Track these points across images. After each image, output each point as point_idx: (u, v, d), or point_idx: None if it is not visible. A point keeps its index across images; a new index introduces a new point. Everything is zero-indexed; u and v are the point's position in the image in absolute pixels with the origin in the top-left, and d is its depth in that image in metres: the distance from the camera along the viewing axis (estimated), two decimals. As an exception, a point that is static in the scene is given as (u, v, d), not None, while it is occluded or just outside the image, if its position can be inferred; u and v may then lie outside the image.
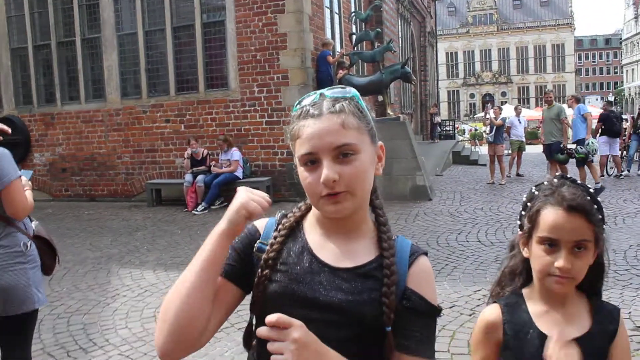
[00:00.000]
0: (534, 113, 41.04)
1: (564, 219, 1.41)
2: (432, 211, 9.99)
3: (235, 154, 11.15)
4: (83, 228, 9.67)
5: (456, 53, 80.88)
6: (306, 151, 1.21)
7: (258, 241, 1.33)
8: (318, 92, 1.29)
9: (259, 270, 1.28)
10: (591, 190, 1.46)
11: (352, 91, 1.31)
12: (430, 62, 29.40)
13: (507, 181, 14.00)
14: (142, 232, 9.09)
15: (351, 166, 1.20)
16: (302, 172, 1.24)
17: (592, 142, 12.11)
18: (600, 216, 1.43)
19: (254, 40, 11.52)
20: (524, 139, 16.38)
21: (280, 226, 1.34)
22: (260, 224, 1.37)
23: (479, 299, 5.26)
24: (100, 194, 12.99)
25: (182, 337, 1.20)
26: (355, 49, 12.58)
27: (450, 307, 5.06)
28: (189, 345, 1.22)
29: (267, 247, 1.30)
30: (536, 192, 1.52)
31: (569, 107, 13.25)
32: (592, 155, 12.07)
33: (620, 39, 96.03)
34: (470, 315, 4.85)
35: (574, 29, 79.06)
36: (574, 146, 12.23)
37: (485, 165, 18.87)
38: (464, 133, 35.33)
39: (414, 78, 13.65)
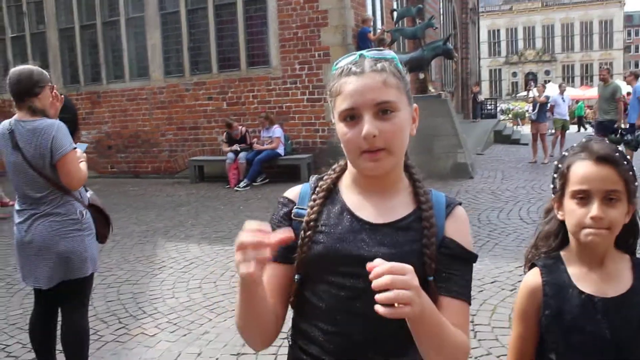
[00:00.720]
0: (578, 92, 40.12)
1: (594, 169, 1.44)
2: (474, 189, 9.92)
3: (277, 131, 11.23)
4: (129, 203, 9.92)
5: (499, 30, 79.09)
6: (348, 106, 1.24)
7: (295, 207, 1.37)
8: (357, 52, 1.32)
9: (302, 232, 1.32)
10: (620, 148, 1.49)
11: (391, 53, 1.34)
12: (472, 40, 28.87)
13: (549, 160, 13.75)
14: (185, 208, 9.28)
15: (390, 123, 1.24)
16: (341, 128, 1.27)
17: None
18: (630, 171, 1.45)
19: (295, 18, 11.52)
20: (567, 118, 16.02)
21: (317, 189, 1.38)
22: (293, 193, 1.41)
23: (520, 275, 5.21)
24: (145, 171, 13.26)
25: (265, 340, 1.34)
26: (397, 25, 12.45)
27: (492, 283, 5.05)
28: (273, 337, 1.34)
29: (307, 210, 1.34)
30: (566, 153, 1.55)
31: (628, 84, 12.83)
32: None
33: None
34: (511, 290, 4.84)
35: (624, 4, 76.36)
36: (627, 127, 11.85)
37: (527, 144, 18.57)
38: (509, 113, 34.58)
39: (456, 55, 13.47)
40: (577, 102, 36.50)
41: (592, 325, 1.43)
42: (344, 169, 1.40)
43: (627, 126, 11.83)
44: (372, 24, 12.05)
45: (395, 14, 12.71)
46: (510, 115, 33.94)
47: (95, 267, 3.09)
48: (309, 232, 1.31)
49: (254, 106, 12.07)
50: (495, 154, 16.02)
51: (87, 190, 3.17)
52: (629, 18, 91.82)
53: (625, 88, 16.17)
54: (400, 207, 1.32)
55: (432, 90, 12.35)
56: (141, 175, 13.21)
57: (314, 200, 1.35)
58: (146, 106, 13.18)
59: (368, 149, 1.23)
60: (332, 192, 1.37)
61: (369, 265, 1.04)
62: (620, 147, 1.48)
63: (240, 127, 11.59)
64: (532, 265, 1.60)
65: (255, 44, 12.15)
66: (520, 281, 4.94)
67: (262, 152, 11.13)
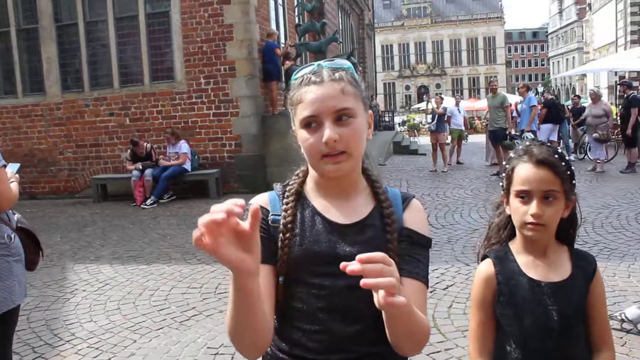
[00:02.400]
0: (468, 104, 42.09)
1: (533, 172, 1.61)
2: (382, 199, 10.14)
3: (184, 146, 11.02)
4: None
5: (392, 46, 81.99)
6: (309, 114, 1.31)
7: (270, 214, 1.40)
8: (316, 63, 1.40)
9: (281, 235, 1.37)
10: (559, 150, 1.67)
11: (347, 63, 1.42)
12: (369, 54, 29.75)
13: (449, 169, 14.38)
14: (91, 228, 8.88)
15: (349, 128, 1.31)
16: (302, 134, 1.33)
17: (527, 137, 12.38)
18: (567, 171, 1.63)
19: (199, 32, 11.40)
20: (463, 128, 16.82)
21: (287, 193, 1.43)
22: (262, 200, 1.43)
23: (437, 277, 5.45)
24: (42, 192, 12.58)
25: (261, 346, 1.29)
26: (301, 39, 12.62)
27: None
28: (268, 342, 1.30)
29: (283, 214, 1.39)
30: (512, 155, 1.72)
31: (520, 95, 13.67)
32: None
33: (547, 32, 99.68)
34: (430, 292, 5.01)
35: (504, 22, 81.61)
36: (518, 133, 12.64)
37: (425, 155, 19.34)
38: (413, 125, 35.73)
39: (360, 69, 13.80)
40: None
41: (541, 307, 1.61)
42: (306, 174, 1.45)
43: (518, 132, 12.67)
44: (277, 38, 12.12)
45: (299, 28, 12.87)
46: (406, 127, 35.09)
47: (23, 298, 2.88)
48: (287, 235, 1.36)
49: (158, 121, 11.79)
50: (397, 164, 16.54)
51: (14, 213, 2.96)
52: (509, 35, 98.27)
53: (513, 98, 17.26)
54: (362, 206, 1.41)
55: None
56: (38, 196, 12.50)
57: (287, 204, 1.40)
58: (42, 123, 12.52)
59: (329, 152, 1.30)
60: (300, 197, 1.43)
61: (342, 265, 1.04)
62: (560, 149, 1.62)
63: (145, 144, 11.26)
64: (484, 257, 1.75)
65: (159, 57, 11.90)
66: (438, 283, 5.12)
67: (168, 169, 10.87)
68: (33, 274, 6.30)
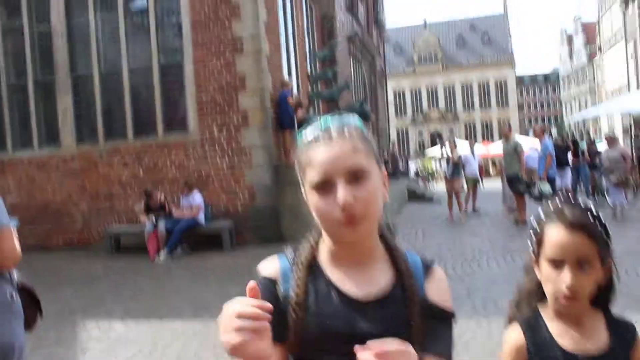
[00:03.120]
0: (482, 148, 42.08)
1: (567, 237, 1.47)
2: (399, 248, 9.99)
3: (197, 197, 10.99)
4: (40, 280, 9.22)
5: (403, 92, 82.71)
6: (320, 176, 1.22)
7: (280, 287, 1.31)
8: (321, 120, 1.31)
9: (292, 313, 1.27)
10: (594, 209, 1.52)
11: (355, 118, 1.33)
12: (381, 101, 29.97)
13: (465, 216, 14.21)
14: (104, 281, 8.79)
15: (364, 189, 1.22)
16: (314, 198, 1.24)
17: (542, 185, 12.17)
18: (604, 234, 1.50)
19: (212, 81, 11.52)
20: (478, 175, 16.69)
21: (299, 265, 1.33)
22: (271, 270, 1.35)
23: (457, 332, 5.25)
24: (55, 244, 12.53)
25: None
26: (313, 88, 12.71)
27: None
28: None
29: (295, 290, 1.29)
30: (541, 214, 1.58)
31: (536, 136, 13.57)
32: (546, 197, 12.20)
33: (558, 75, 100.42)
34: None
35: (515, 65, 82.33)
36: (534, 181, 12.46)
37: (440, 202, 19.20)
38: (429, 172, 35.70)
39: (372, 116, 13.86)
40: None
41: None
42: (318, 241, 1.35)
43: (532, 179, 12.51)
44: (291, 87, 12.23)
45: (312, 77, 12.98)
46: (420, 174, 35.05)
47: (24, 360, 2.77)
48: (300, 314, 1.26)
49: (171, 172, 11.81)
50: (412, 212, 16.40)
51: (14, 271, 2.88)
52: (520, 80, 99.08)
53: (527, 141, 17.18)
54: (380, 276, 1.31)
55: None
56: (52, 248, 12.46)
57: (299, 278, 1.30)
58: (56, 175, 12.59)
59: (344, 216, 1.20)
60: (312, 267, 1.32)
61: (356, 348, 1.04)
62: (591, 206, 1.52)
63: (159, 195, 11.26)
64: (511, 318, 1.65)
65: (172, 108, 12.02)
66: (460, 337, 4.92)
67: (181, 221, 10.82)
68: (43, 332, 6.20)
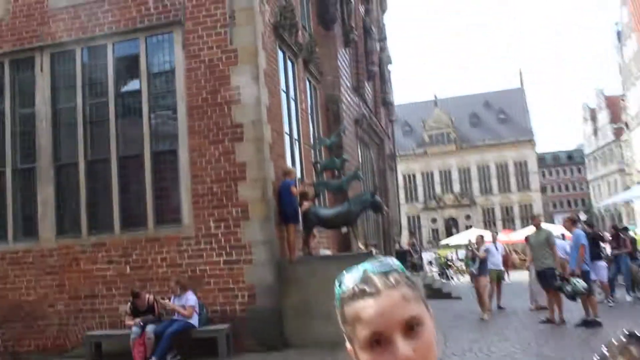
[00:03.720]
0: (501, 237, 42.02)
1: None
2: (417, 357, 9.89)
3: (191, 298, 10.97)
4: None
5: (414, 175, 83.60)
6: (373, 333, 1.25)
7: None
8: (360, 268, 1.35)
9: None
10: None
11: (394, 261, 1.39)
12: (391, 187, 30.28)
13: (489, 315, 14.13)
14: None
15: (422, 339, 1.25)
16: (367, 356, 1.26)
17: (576, 283, 12.13)
18: None
19: (209, 171, 11.75)
20: (502, 268, 16.71)
21: None
22: None
23: None
24: (27, 350, 12.40)
25: None
26: (320, 178, 12.96)
27: None
28: None
29: None
30: (606, 353, 1.60)
31: (566, 229, 13.69)
32: (581, 294, 12.16)
33: (583, 153, 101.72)
34: None
35: (535, 145, 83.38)
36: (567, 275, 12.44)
37: (460, 298, 19.12)
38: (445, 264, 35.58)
39: (386, 208, 14.05)
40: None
41: None
42: None
43: (567, 274, 12.48)
44: (295, 176, 12.47)
45: (318, 166, 13.24)
46: (439, 266, 34.95)
47: None
48: None
49: (162, 270, 11.84)
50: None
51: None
52: (542, 159, 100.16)
53: (552, 228, 17.21)
54: None
55: (362, 246, 12.66)
56: (22, 355, 12.32)
57: None
58: (32, 271, 12.61)
59: None
60: None
61: None
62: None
63: (147, 296, 11.24)
64: None
65: (165, 199, 12.21)
66: None
67: (173, 324, 10.76)
68: None
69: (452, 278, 31.28)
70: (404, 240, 33.93)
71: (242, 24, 11.83)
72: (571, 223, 13.28)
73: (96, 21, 12.65)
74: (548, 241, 12.82)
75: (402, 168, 74.56)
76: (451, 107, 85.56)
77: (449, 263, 36.23)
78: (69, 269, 12.42)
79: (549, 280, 12.49)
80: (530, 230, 15.92)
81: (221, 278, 11.55)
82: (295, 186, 12.24)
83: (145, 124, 12.35)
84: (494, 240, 16.85)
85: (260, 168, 11.58)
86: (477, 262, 14.73)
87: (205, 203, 11.73)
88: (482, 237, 15.97)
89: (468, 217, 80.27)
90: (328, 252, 13.78)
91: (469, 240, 18.49)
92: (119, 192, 12.40)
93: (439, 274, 30.93)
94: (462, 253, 44.70)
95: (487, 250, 15.31)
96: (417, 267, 24.01)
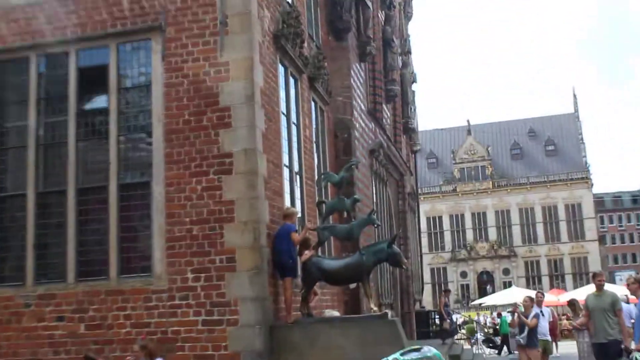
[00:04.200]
0: (551, 298, 41.88)
1: None
2: None
3: (159, 368, 10.92)
4: None
5: (440, 218, 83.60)
6: None
7: None
8: (399, 357, 1.45)
9: None
10: None
11: (432, 349, 1.49)
12: (412, 232, 30.31)
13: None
14: None
15: None
16: None
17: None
18: None
19: (189, 209, 11.77)
20: (549, 338, 16.61)
21: None
22: None
23: None
24: None
25: None
26: (325, 221, 12.95)
27: None
28: None
29: None
30: None
31: (633, 293, 13.63)
32: None
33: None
34: None
35: (592, 184, 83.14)
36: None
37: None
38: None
39: (405, 260, 14.03)
40: (499, 315, 38.22)
41: None
42: None
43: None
44: (296, 219, 12.49)
45: (324, 206, 13.24)
46: (464, 331, 34.92)
47: None
48: None
49: (125, 330, 11.78)
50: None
51: None
52: (600, 202, 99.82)
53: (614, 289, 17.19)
54: None
55: (375, 307, 12.61)
56: None
57: None
58: (-38, 331, 12.55)
59: None
60: None
61: None
62: None
63: (105, 366, 11.20)
64: None
65: (132, 243, 12.23)
66: None
67: (137, 399, 10.70)
68: None
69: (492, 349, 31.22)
70: (427, 299, 33.86)
71: (235, 32, 11.94)
72: (638, 286, 13.10)
73: (57, 23, 12.79)
74: (614, 306, 12.68)
75: (425, 209, 74.65)
76: (488, 135, 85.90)
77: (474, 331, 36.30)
78: (6, 326, 12.32)
79: (613, 356, 12.35)
80: (589, 289, 15.86)
81: (198, 343, 11.47)
82: (297, 232, 12.24)
83: (112, 149, 12.37)
84: (539, 303, 16.79)
85: (252, 208, 11.58)
86: (525, 330, 14.69)
87: (183, 249, 11.71)
88: (531, 298, 15.93)
89: (506, 271, 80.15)
90: (335, 313, 13.73)
91: (517, 303, 18.38)
92: (75, 231, 12.39)
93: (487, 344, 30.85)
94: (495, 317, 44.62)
95: (536, 316, 15.27)
96: (447, 334, 23.75)
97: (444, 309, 23.92)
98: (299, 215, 13.90)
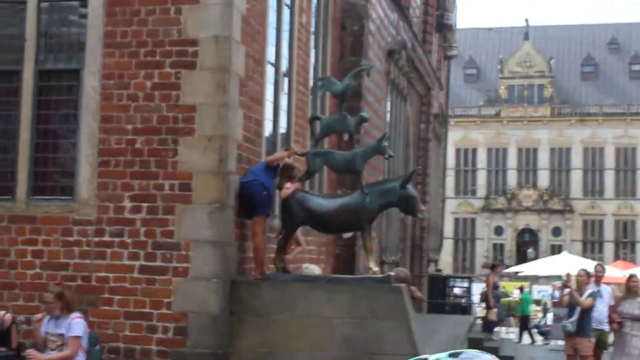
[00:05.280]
0: (615, 272, 42.04)
1: None
2: None
3: (76, 325, 10.97)
4: None
5: (474, 151, 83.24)
6: None
7: None
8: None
9: None
10: None
11: (483, 356, 1.54)
12: (435, 168, 30.33)
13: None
14: None
15: None
16: None
17: None
18: None
19: (132, 113, 11.75)
20: (607, 327, 16.76)
21: None
22: None
23: None
24: None
25: None
26: (317, 144, 12.91)
27: None
28: None
29: None
30: None
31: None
32: None
33: None
34: None
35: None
36: None
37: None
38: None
39: (422, 208, 14.05)
40: (522, 289, 38.91)
41: None
42: None
43: None
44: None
45: (319, 124, 13.13)
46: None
47: None
48: None
49: (33, 272, 11.88)
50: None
51: None
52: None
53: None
54: None
55: (374, 267, 12.66)
56: None
57: None
58: None
59: None
60: None
61: None
62: None
63: (2, 314, 11.28)
64: None
65: (50, 154, 12.32)
66: None
67: (42, 363, 10.82)
68: None
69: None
70: (446, 259, 33.89)
71: None
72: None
73: None
74: None
75: (455, 138, 74.47)
76: (552, 43, 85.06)
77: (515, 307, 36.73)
78: None
79: None
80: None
81: (132, 296, 11.59)
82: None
83: (29, 21, 12.28)
84: (598, 279, 16.90)
85: (220, 118, 11.54)
86: (576, 313, 14.77)
87: (120, 167, 11.73)
88: (587, 272, 16.03)
89: (557, 231, 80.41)
90: (317, 270, 13.80)
91: (567, 275, 18.37)
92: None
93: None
94: (542, 291, 44.82)
95: (592, 295, 15.34)
96: (493, 324, 23.46)
97: (492, 293, 23.31)
98: (285, 135, 13.89)
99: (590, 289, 15.78)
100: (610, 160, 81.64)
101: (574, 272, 16.52)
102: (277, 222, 12.33)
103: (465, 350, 1.65)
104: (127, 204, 11.68)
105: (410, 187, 12.35)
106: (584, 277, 15.39)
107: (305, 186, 12.62)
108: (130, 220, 11.67)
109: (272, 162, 12.10)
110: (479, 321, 25.38)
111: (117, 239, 11.68)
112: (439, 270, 31.86)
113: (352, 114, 12.99)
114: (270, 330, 11.24)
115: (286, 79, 14.34)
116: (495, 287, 24.06)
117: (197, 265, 11.45)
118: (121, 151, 11.74)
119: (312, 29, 15.79)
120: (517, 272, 54.48)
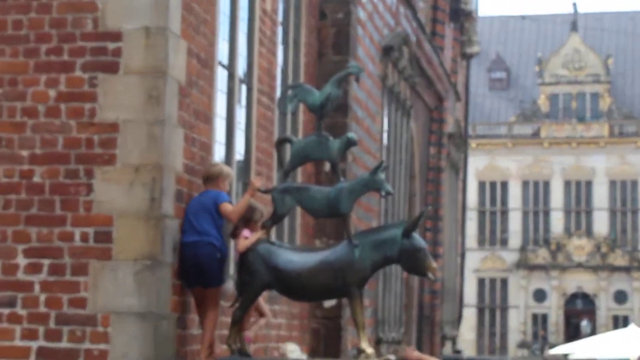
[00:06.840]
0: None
1: None
2: None
3: None
4: None
5: (505, 185, 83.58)
6: None
7: None
8: None
9: None
10: None
11: None
12: (451, 209, 30.43)
13: None
14: None
15: None
16: None
17: None
18: None
19: (29, 134, 11.78)
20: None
21: None
22: None
23: None
24: None
25: None
26: (287, 177, 12.95)
27: None
28: None
29: None
30: None
31: None
32: None
33: None
34: None
35: None
36: None
37: None
38: None
39: (434, 265, 14.06)
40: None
41: None
42: None
43: None
44: (230, 181, 12.49)
45: (289, 148, 13.15)
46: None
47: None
48: None
49: None
50: None
51: None
52: None
53: None
54: None
55: (366, 348, 12.66)
56: None
57: None
58: None
59: None
60: None
61: None
62: None
63: None
64: None
65: None
66: None
67: None
68: None
69: None
70: (468, 336, 33.88)
71: None
72: None
73: None
74: None
75: (478, 166, 74.97)
76: (608, 36, 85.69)
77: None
78: None
79: None
80: None
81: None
82: (231, 203, 12.23)
83: None
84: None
85: (151, 140, 11.54)
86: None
87: (12, 209, 11.73)
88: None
89: (622, 296, 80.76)
90: (297, 352, 13.82)
91: (638, 359, 18.69)
92: None
93: None
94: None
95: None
96: None
97: None
98: (234, 174, 13.90)
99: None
100: (603, 196, 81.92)
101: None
102: (230, 286, 12.29)
103: None
104: (21, 260, 11.66)
105: (416, 236, 12.36)
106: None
107: (270, 235, 12.56)
108: (25, 283, 11.64)
109: (235, 216, 12.04)
110: None
111: (6, 311, 11.65)
112: (458, 352, 32.01)
113: (336, 135, 13.02)
114: None
115: (244, 87, 14.37)
116: None
117: (119, 348, 11.39)
118: (13, 187, 11.74)
119: (280, 17, 15.86)
120: (566, 355, 54.71)
